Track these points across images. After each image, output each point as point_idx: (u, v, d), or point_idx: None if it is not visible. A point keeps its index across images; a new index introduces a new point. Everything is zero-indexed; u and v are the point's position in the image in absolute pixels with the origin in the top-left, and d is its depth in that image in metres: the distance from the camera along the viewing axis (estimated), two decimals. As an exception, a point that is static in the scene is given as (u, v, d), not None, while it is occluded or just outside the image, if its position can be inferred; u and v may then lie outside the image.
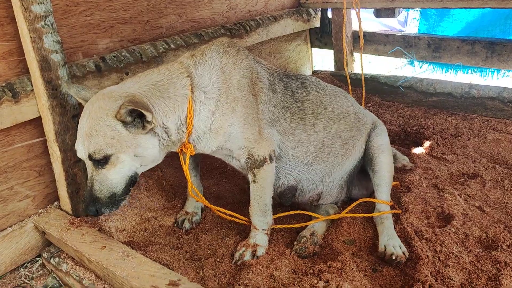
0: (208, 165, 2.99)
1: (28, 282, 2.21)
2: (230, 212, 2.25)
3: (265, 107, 2.11)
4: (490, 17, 4.29)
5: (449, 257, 1.94)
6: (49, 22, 2.06)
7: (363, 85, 3.46)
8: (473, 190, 2.46)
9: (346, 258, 1.97)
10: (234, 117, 2.00)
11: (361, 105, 3.33)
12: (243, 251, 2.09)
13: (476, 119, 3.33)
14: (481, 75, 4.03)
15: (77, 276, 2.09)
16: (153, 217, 2.41)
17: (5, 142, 2.18)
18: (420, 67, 4.62)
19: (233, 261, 2.08)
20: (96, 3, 2.49)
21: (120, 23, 2.65)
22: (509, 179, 2.55)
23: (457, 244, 2.02)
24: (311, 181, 2.32)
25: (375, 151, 2.36)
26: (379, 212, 2.25)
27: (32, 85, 2.14)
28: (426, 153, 3.00)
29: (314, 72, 4.47)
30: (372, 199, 2.35)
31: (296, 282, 1.86)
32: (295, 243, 2.18)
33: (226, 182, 2.89)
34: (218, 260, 2.10)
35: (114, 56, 2.55)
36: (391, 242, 2.06)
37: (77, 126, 1.94)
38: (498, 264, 1.87)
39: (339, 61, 4.29)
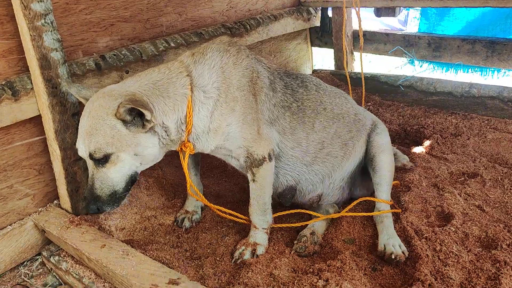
0: (208, 164, 2.99)
1: (28, 280, 2.21)
2: (230, 211, 2.25)
3: (265, 107, 2.10)
4: (491, 16, 4.29)
5: (448, 256, 1.94)
6: (49, 20, 2.06)
7: (363, 84, 3.45)
8: (473, 189, 2.46)
9: (346, 257, 1.97)
10: (232, 116, 2.00)
11: (361, 104, 3.33)
12: (243, 250, 2.09)
13: (476, 119, 3.33)
14: (481, 75, 4.04)
15: (76, 274, 2.09)
16: (153, 215, 2.41)
17: (5, 141, 2.18)
18: (420, 66, 4.63)
19: (233, 260, 2.08)
20: (96, 2, 2.49)
21: (120, 22, 2.65)
22: (509, 179, 2.55)
23: (456, 243, 2.02)
24: (310, 182, 2.32)
25: (376, 151, 2.35)
26: (379, 211, 2.25)
27: (32, 83, 2.13)
28: (426, 152, 3.00)
29: (314, 71, 4.47)
30: (372, 198, 2.35)
31: (296, 281, 1.86)
32: (295, 242, 2.18)
33: (226, 181, 2.89)
34: (217, 258, 2.10)
35: (114, 55, 2.54)
36: (390, 241, 2.06)
37: (77, 125, 1.94)
38: (498, 263, 1.87)
39: (339, 60, 4.28)
